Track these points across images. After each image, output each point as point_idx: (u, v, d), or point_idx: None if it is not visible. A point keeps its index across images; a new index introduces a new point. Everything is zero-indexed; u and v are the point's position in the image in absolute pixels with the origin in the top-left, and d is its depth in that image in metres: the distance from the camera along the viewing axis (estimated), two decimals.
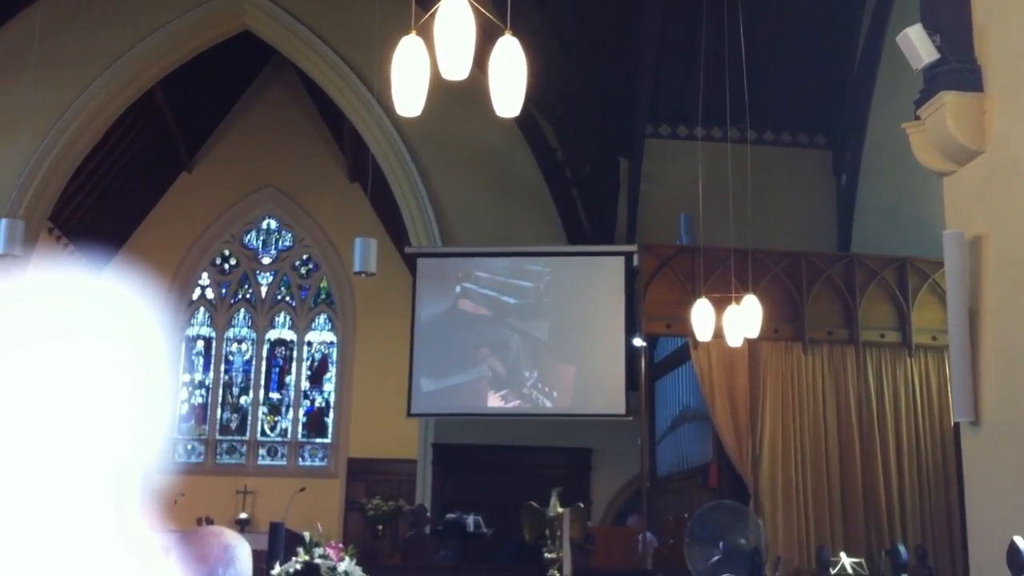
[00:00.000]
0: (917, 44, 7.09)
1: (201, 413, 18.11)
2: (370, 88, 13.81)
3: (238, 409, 18.21)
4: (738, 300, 8.86)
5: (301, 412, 18.16)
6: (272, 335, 18.49)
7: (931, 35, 7.02)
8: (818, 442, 9.82)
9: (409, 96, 4.81)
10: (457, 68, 4.57)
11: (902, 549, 8.40)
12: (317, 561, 7.67)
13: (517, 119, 11.95)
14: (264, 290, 18.65)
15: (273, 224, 18.83)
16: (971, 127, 6.92)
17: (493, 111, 4.92)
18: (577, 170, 13.97)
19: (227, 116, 18.38)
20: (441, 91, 4.96)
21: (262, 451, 17.97)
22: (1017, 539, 4.79)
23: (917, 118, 7.33)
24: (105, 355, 0.67)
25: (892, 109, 11.30)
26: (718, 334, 9.00)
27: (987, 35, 6.89)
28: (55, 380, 0.63)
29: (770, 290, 9.89)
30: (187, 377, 18.22)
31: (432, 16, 4.47)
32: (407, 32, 4.69)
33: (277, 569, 7.69)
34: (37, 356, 0.63)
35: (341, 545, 8.44)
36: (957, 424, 7.15)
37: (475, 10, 4.50)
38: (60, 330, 0.65)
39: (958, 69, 6.98)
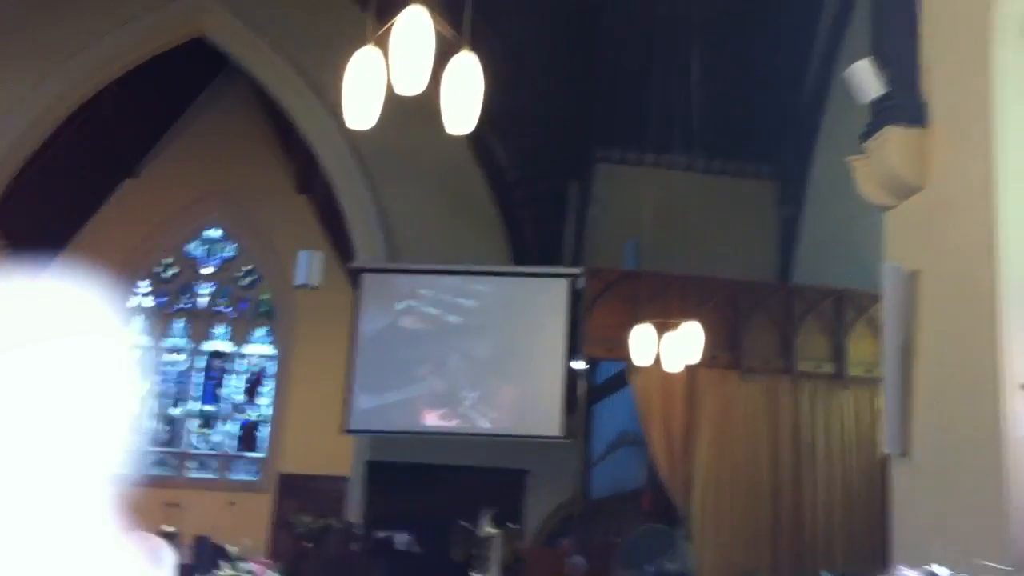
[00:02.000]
0: (864, 78, 7.17)
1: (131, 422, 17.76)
2: (322, 99, 13.73)
3: (170, 420, 17.88)
4: (677, 326, 8.87)
5: (235, 425, 17.87)
6: (209, 346, 18.20)
7: (880, 70, 7.10)
8: (751, 469, 9.86)
9: (361, 109, 4.75)
10: (412, 83, 4.52)
11: None
12: None
13: (469, 137, 11.92)
14: (204, 300, 18.37)
15: (217, 234, 18.58)
16: (914, 162, 6.99)
17: (445, 128, 4.86)
18: (526, 190, 13.97)
19: (176, 123, 18.14)
20: (394, 105, 4.89)
21: (192, 463, 17.64)
22: (937, 569, 4.79)
23: (862, 151, 7.40)
24: (55, 358, 0.64)
25: (838, 142, 11.43)
26: (658, 360, 9.01)
27: (934, 71, 6.98)
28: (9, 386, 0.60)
29: (710, 318, 9.91)
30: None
31: (389, 30, 4.42)
32: (364, 44, 4.64)
33: None
34: None
35: (269, 561, 8.28)
36: (886, 455, 7.19)
37: (433, 26, 4.46)
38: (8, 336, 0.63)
39: (904, 104, 7.06)
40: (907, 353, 6.80)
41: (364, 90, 4.67)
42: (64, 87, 14.06)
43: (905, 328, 6.85)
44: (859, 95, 7.28)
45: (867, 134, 7.37)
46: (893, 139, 7.08)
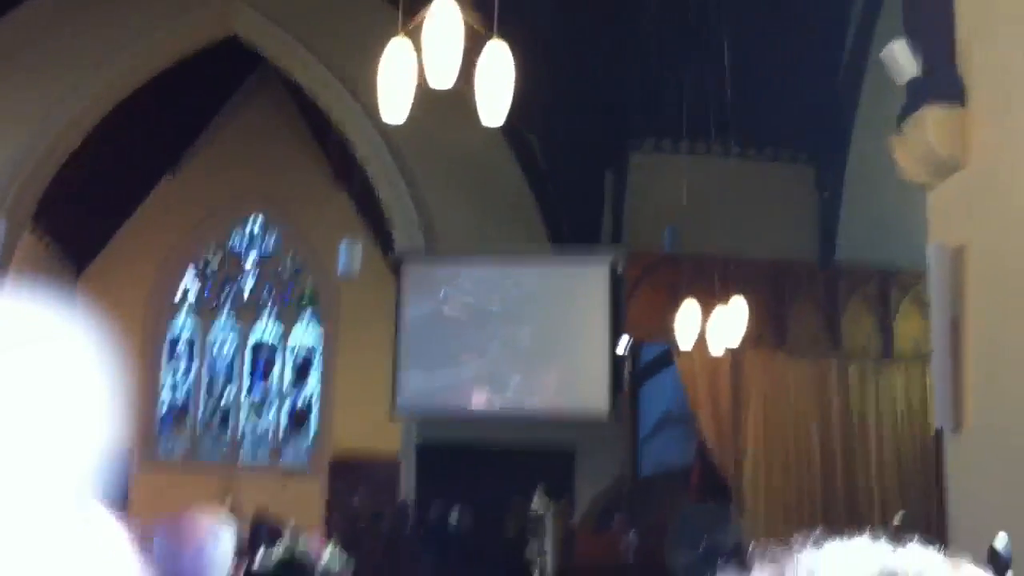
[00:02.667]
0: (900, 59, 7.22)
1: (184, 411, 18.11)
2: (356, 95, 13.91)
3: (221, 408, 18.23)
4: (721, 309, 8.98)
5: (284, 411, 18.20)
6: (255, 336, 18.51)
7: (914, 50, 7.17)
8: (800, 448, 9.97)
9: (395, 103, 4.80)
10: (444, 77, 4.59)
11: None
12: (298, 555, 7.76)
13: (503, 128, 12.05)
14: (247, 293, 18.67)
15: (258, 227, 18.85)
16: (954, 141, 7.04)
17: (479, 119, 4.99)
18: (562, 181, 14.08)
19: (213, 120, 18.37)
20: (427, 97, 5.00)
21: (244, 449, 18.00)
22: (997, 541, 4.92)
23: (900, 132, 7.47)
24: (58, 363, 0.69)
25: (876, 123, 11.48)
26: (702, 340, 9.13)
27: (971, 49, 7.04)
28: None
29: (753, 300, 10.03)
30: (170, 376, 18.21)
31: (420, 25, 4.46)
32: (395, 38, 4.69)
33: (258, 563, 7.76)
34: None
35: (323, 538, 8.52)
36: (939, 431, 7.29)
37: (463, 19, 4.53)
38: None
39: (941, 83, 7.12)
40: (956, 329, 6.89)
41: (397, 85, 4.67)
42: (102, 87, 14.31)
43: (953, 304, 6.94)
44: (895, 75, 7.34)
45: (905, 114, 7.41)
46: (931, 118, 7.11)
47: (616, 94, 13.25)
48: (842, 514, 9.82)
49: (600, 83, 13.32)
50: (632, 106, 13.21)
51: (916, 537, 0.70)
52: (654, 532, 10.05)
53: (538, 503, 8.72)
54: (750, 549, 8.95)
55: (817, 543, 0.71)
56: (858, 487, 9.93)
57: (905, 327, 10.28)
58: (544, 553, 8.57)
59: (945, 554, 0.68)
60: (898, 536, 0.69)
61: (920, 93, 7.24)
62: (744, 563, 0.72)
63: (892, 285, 10.40)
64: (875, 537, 0.71)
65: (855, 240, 12.81)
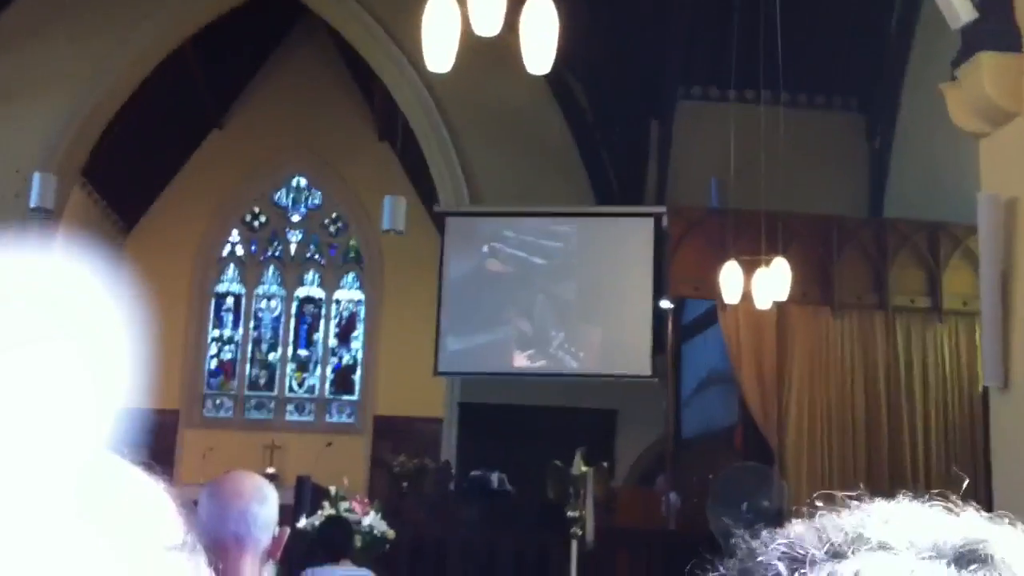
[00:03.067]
0: (955, 3, 6.99)
1: (230, 369, 18.26)
2: (401, 46, 13.79)
3: (267, 366, 18.36)
4: (767, 263, 8.81)
5: (329, 369, 18.28)
6: (301, 292, 18.58)
7: None
8: (844, 407, 9.78)
9: (440, 51, 4.77)
10: (489, 23, 4.53)
11: None
12: (342, 514, 7.77)
13: (547, 78, 11.87)
14: (294, 248, 18.72)
15: (303, 182, 18.86)
16: (1009, 88, 6.82)
17: (524, 70, 4.88)
18: (607, 132, 13.87)
19: (258, 73, 18.37)
20: (471, 50, 4.92)
21: (290, 407, 18.13)
22: None
23: (954, 79, 7.23)
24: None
25: (928, 72, 11.12)
26: (746, 297, 8.96)
27: None
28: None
29: (800, 254, 9.80)
30: (216, 333, 18.37)
31: None
32: None
33: (303, 522, 7.79)
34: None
35: (367, 500, 8.54)
36: (986, 389, 7.10)
37: None
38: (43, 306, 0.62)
39: (997, 29, 6.87)
40: (1006, 283, 6.69)
41: (442, 32, 4.69)
42: (148, 42, 14.33)
43: (1003, 258, 6.73)
44: (950, 20, 7.10)
45: (958, 61, 7.19)
46: (986, 65, 6.90)
47: (663, 40, 12.97)
48: (886, 473, 9.61)
49: (647, 29, 13.04)
50: (679, 53, 12.93)
51: (962, 501, 0.64)
52: (696, 493, 9.94)
53: (578, 465, 8.61)
54: (792, 511, 8.78)
55: (860, 504, 0.64)
56: (903, 446, 9.71)
57: (955, 282, 9.99)
58: (585, 514, 8.47)
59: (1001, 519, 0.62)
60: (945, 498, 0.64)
61: (975, 39, 7.02)
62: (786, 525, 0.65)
63: (942, 238, 10.09)
64: (922, 499, 0.65)
65: (906, 191, 12.48)
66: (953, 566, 0.59)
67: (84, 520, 0.54)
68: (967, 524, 0.62)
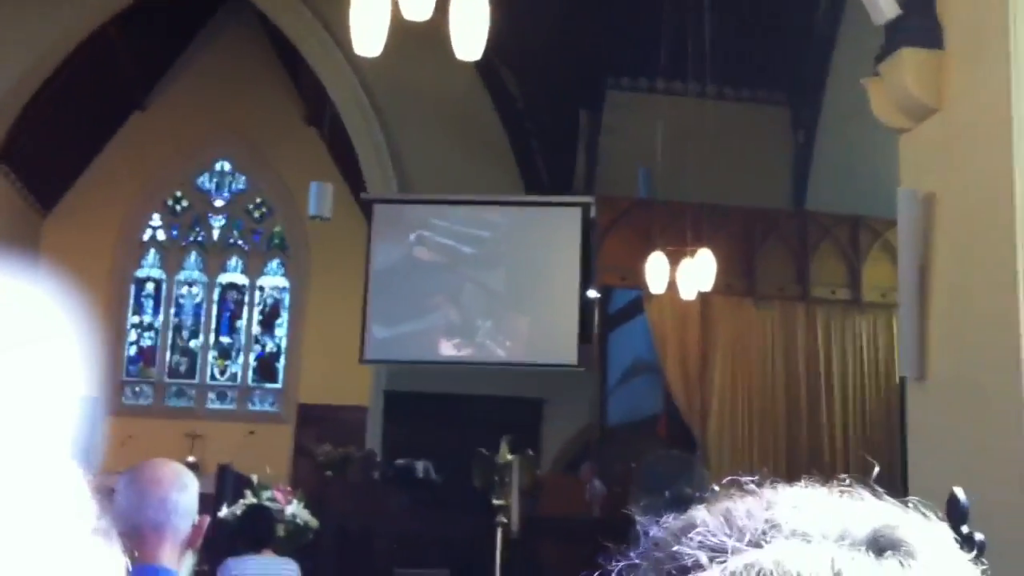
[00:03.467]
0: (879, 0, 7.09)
1: (150, 356, 17.93)
2: (329, 29, 13.63)
3: (188, 352, 18.05)
4: (692, 254, 8.89)
5: (252, 357, 18.04)
6: (224, 279, 18.27)
7: None
8: (766, 396, 9.94)
9: (368, 35, 4.71)
10: (419, 7, 4.48)
11: None
12: (265, 504, 7.67)
13: (478, 65, 11.83)
14: (216, 233, 18.40)
15: (227, 166, 18.53)
16: (929, 84, 6.93)
17: (454, 56, 4.83)
18: (537, 120, 13.88)
19: (183, 54, 18.01)
20: (402, 34, 4.86)
21: (211, 395, 17.85)
22: (956, 490, 4.85)
23: (877, 74, 7.34)
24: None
25: (852, 66, 11.30)
26: (672, 287, 9.04)
27: None
28: None
29: (724, 245, 9.92)
30: (136, 319, 18.00)
31: None
32: None
33: (225, 511, 7.68)
34: None
35: (290, 489, 8.44)
36: (903, 380, 7.24)
37: None
38: None
39: (919, 25, 6.98)
40: (924, 276, 6.81)
41: (371, 16, 4.63)
42: (70, 20, 13.96)
43: (921, 252, 6.85)
44: (874, 16, 7.20)
45: (881, 56, 7.29)
46: (908, 60, 7.00)
47: (594, 30, 13.01)
48: (805, 460, 9.80)
49: (578, 18, 13.07)
50: (610, 43, 12.98)
51: (874, 488, 0.66)
52: (620, 481, 10.01)
53: (503, 454, 8.62)
54: (709, 492, 8.89)
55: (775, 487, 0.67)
56: (822, 434, 9.91)
57: (874, 274, 10.20)
58: (510, 502, 8.49)
59: (905, 504, 0.63)
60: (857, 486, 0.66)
61: (898, 35, 7.12)
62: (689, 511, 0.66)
63: (862, 231, 10.30)
64: (835, 486, 0.66)
65: (828, 184, 12.71)
66: (871, 553, 0.59)
67: (4, 500, 0.53)
68: (873, 510, 0.63)
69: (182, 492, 2.33)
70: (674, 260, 8.97)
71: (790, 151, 13.68)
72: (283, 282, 18.22)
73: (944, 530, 0.64)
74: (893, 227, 7.94)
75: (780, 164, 13.56)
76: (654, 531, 0.65)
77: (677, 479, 8.94)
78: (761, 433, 9.87)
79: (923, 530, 0.62)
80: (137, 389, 17.72)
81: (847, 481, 0.67)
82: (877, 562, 0.59)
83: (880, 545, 0.60)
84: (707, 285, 8.85)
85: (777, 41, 13.27)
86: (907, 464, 7.03)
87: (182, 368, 17.93)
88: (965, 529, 4.50)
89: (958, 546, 0.63)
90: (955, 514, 5.27)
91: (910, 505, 0.63)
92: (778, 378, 10.02)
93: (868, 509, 0.63)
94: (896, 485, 9.53)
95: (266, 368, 17.99)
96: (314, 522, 7.87)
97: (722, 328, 10.11)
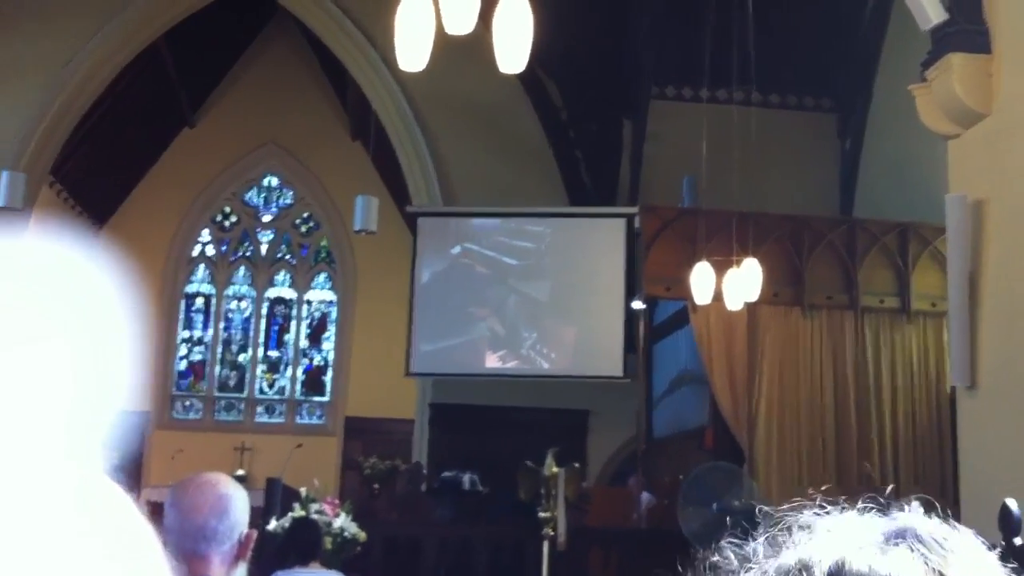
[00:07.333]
0: (926, 4, 7.03)
1: (200, 370, 18.13)
2: (374, 44, 13.73)
3: (237, 367, 18.24)
4: (738, 264, 8.83)
5: (300, 370, 18.18)
6: (272, 293, 18.48)
7: None
8: (814, 406, 9.82)
9: (412, 50, 4.73)
10: (461, 21, 4.49)
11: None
12: (313, 516, 7.72)
13: (521, 77, 11.85)
14: (264, 248, 18.61)
15: (275, 181, 18.74)
16: (978, 89, 6.86)
17: (497, 68, 4.85)
18: (581, 130, 13.87)
19: (230, 72, 18.25)
20: (445, 48, 4.89)
21: (260, 408, 18.02)
22: (1009, 501, 4.77)
23: (924, 80, 7.27)
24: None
25: (899, 72, 11.19)
26: (718, 297, 8.97)
27: None
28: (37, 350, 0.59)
29: (771, 254, 9.83)
30: (186, 334, 18.23)
31: None
32: None
33: (273, 524, 7.74)
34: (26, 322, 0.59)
35: (337, 501, 8.49)
36: (953, 389, 7.15)
37: None
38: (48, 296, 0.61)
39: (966, 30, 6.91)
40: (973, 284, 6.73)
41: (415, 31, 4.64)
42: (119, 37, 14.15)
43: (971, 258, 6.77)
44: (920, 21, 7.14)
45: (929, 62, 7.23)
46: (956, 66, 6.94)
47: (637, 39, 12.99)
48: (854, 476, 9.66)
49: (621, 28, 13.06)
50: (653, 52, 12.96)
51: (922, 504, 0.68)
52: (667, 493, 9.95)
53: (549, 466, 8.60)
54: (759, 512, 8.80)
55: (820, 510, 0.68)
56: (872, 445, 9.77)
57: (923, 282, 10.05)
58: (556, 514, 8.46)
59: (953, 514, 0.66)
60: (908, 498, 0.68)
61: (945, 40, 7.06)
62: (755, 525, 0.70)
63: (911, 238, 10.15)
64: (884, 504, 0.69)
65: (876, 191, 12.58)
66: (880, 546, 0.62)
67: (81, 524, 0.53)
68: (901, 517, 0.66)
69: (222, 519, 2.31)
70: (720, 270, 8.90)
71: (836, 158, 13.55)
72: (330, 296, 18.36)
73: (971, 535, 0.66)
74: (942, 235, 7.84)
75: (826, 171, 13.45)
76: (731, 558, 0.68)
77: (725, 492, 8.87)
78: (810, 445, 9.75)
79: (941, 529, 0.64)
80: (187, 403, 17.93)
81: (890, 492, 0.72)
82: (883, 551, 0.61)
83: (895, 535, 0.63)
84: (753, 295, 8.77)
85: (823, 48, 13.17)
86: (958, 475, 6.93)
87: (231, 382, 18.13)
88: (1018, 541, 4.42)
89: (1009, 556, 0.64)
90: (1007, 525, 5.17)
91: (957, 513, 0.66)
92: (826, 389, 9.89)
93: (894, 518, 0.66)
94: (948, 496, 9.40)
95: (314, 381, 18.13)
96: (361, 534, 7.90)
97: (769, 338, 10.01)
